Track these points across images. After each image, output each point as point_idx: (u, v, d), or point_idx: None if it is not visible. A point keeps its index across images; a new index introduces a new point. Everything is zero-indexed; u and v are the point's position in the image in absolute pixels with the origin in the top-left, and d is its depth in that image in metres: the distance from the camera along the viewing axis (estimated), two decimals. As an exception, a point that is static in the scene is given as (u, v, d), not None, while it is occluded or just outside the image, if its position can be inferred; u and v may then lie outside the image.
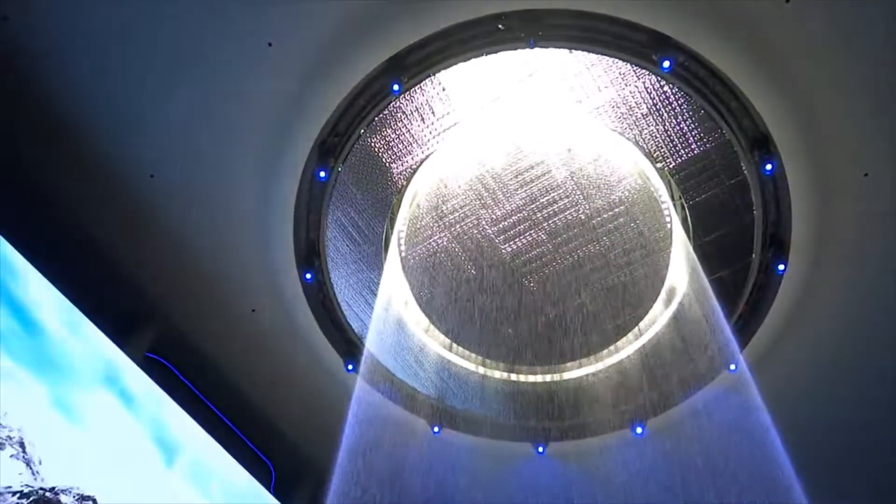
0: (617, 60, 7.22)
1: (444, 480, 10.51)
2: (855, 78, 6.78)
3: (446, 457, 10.25)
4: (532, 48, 7.10)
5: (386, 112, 7.73)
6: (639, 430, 9.52)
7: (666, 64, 6.97)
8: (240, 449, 10.21)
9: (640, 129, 7.80)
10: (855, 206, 7.59)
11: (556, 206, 8.58)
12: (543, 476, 10.31)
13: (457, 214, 8.74)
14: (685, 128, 7.67)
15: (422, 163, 8.38)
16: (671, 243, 8.70)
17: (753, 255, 8.20)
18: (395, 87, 7.34)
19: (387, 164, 8.26)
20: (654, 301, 9.09)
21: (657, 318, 9.20)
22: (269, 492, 10.57)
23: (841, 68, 6.74)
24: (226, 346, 9.54)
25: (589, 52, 7.17)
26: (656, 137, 7.82)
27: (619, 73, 7.41)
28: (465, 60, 7.27)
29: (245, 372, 9.81)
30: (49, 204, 8.13)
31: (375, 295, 9.10)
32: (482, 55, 7.21)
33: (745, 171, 7.67)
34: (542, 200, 8.55)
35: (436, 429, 9.90)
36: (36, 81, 7.27)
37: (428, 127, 8.02)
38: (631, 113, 7.69)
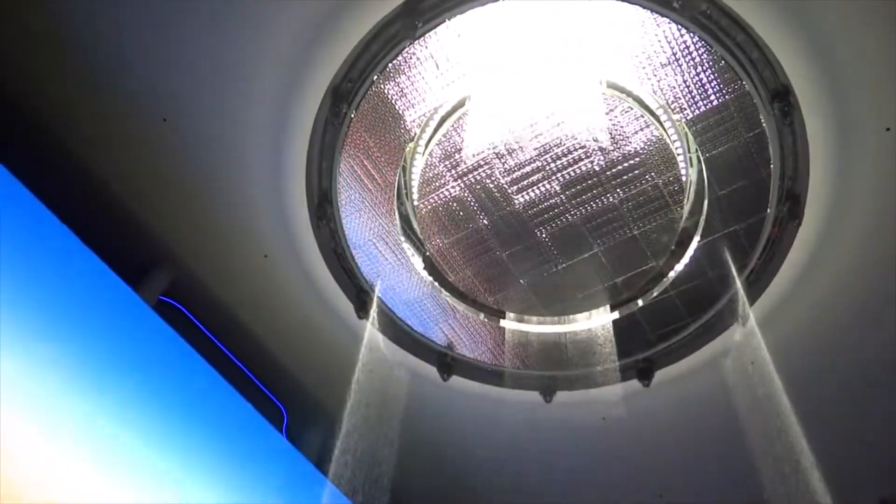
0: (637, 7, 7.03)
1: (451, 427, 10.70)
2: (880, 29, 6.57)
3: (455, 404, 10.42)
4: (550, -7, 6.94)
5: (400, 58, 7.60)
6: (646, 381, 9.62)
7: (687, 12, 6.79)
8: (252, 392, 10.41)
9: (658, 79, 7.65)
10: (875, 161, 7.45)
11: (570, 157, 8.49)
12: (550, 425, 10.48)
13: (469, 164, 8.68)
14: (704, 79, 7.52)
15: (436, 111, 8.29)
16: (686, 196, 8.62)
17: (769, 210, 8.13)
18: (410, 33, 7.21)
19: (400, 112, 8.18)
20: (667, 254, 9.07)
21: (669, 271, 9.19)
22: (282, 434, 10.80)
23: (866, 19, 6.53)
24: (239, 291, 9.64)
25: (609, -2, 6.99)
26: (674, 88, 7.68)
27: (639, 21, 7.23)
28: (481, 5, 7.09)
29: (258, 316, 9.93)
30: (61, 145, 8.14)
31: (387, 243, 9.13)
32: (499, 0, 7.04)
33: (764, 124, 7.54)
34: (556, 151, 8.46)
35: (444, 376, 10.03)
36: (48, 19, 7.19)
37: (442, 74, 7.90)
38: (649, 62, 7.54)
